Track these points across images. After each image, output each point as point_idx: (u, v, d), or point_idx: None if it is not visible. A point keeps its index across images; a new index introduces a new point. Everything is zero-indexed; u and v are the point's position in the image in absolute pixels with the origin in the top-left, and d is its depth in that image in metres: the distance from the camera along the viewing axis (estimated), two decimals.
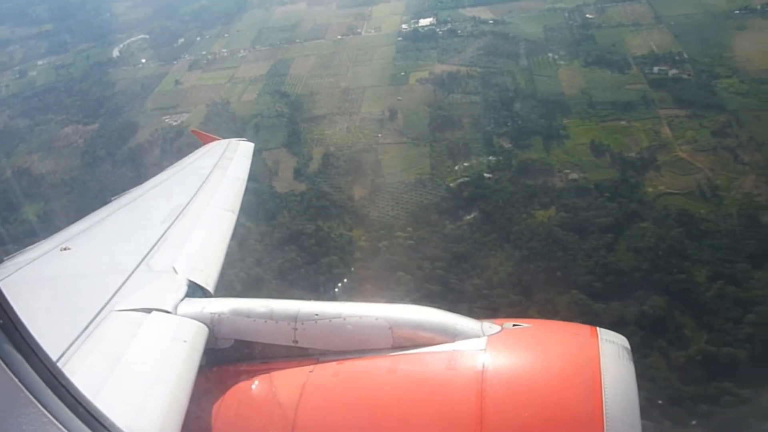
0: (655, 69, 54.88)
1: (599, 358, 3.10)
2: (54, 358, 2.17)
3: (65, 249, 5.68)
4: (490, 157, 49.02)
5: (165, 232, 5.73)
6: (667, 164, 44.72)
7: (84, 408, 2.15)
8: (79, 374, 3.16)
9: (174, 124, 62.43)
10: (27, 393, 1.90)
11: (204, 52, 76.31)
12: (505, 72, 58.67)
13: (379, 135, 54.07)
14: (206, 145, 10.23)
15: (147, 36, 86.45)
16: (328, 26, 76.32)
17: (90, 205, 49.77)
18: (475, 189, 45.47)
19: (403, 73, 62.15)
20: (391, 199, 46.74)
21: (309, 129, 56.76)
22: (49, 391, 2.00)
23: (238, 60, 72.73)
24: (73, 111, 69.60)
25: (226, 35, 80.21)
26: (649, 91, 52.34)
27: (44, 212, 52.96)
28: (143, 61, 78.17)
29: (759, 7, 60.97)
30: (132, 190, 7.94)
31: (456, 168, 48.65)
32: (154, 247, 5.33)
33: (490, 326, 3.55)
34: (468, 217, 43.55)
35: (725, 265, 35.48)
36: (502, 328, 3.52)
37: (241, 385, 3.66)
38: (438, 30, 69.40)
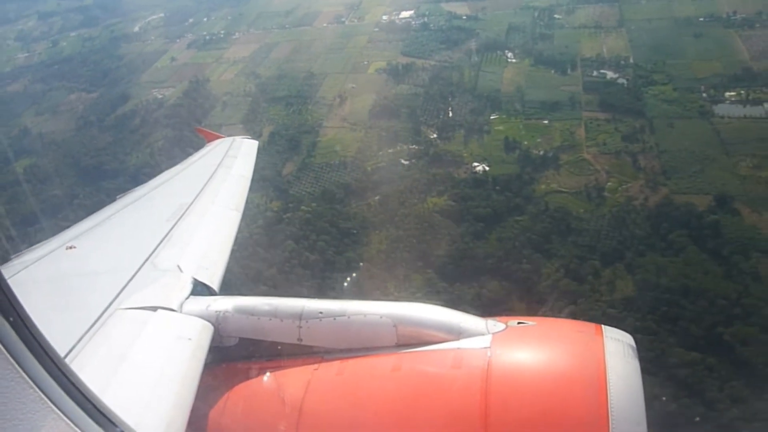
0: (595, 72, 56.00)
1: (604, 355, 3.11)
2: (61, 356, 2.19)
3: (71, 247, 5.76)
4: (413, 146, 52.15)
5: (170, 230, 5.79)
6: (568, 164, 46.55)
7: (92, 404, 2.16)
8: (86, 371, 3.18)
9: (159, 97, 68.78)
10: (36, 389, 1.90)
11: (204, 33, 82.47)
12: (456, 66, 61.23)
13: (323, 119, 58.09)
14: (210, 143, 10.21)
15: (165, 14, 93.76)
16: (319, 14, 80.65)
17: (70, 162, 56.80)
18: (385, 173, 48.90)
19: (365, 63, 65.76)
20: (313, 177, 50.89)
21: (266, 109, 61.54)
22: (57, 388, 2.01)
23: (230, 41, 78.40)
24: (83, 80, 77.40)
25: (229, 17, 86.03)
26: (581, 93, 53.74)
27: (31, 166, 60.37)
28: (152, 38, 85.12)
29: (724, 15, 60.54)
30: (137, 188, 8.11)
31: (380, 153, 52.13)
32: (159, 245, 5.38)
33: (495, 324, 3.56)
34: (373, 199, 47.14)
35: (575, 261, 37.66)
36: (507, 326, 3.53)
37: (246, 383, 3.70)
38: (413, 23, 72.47)
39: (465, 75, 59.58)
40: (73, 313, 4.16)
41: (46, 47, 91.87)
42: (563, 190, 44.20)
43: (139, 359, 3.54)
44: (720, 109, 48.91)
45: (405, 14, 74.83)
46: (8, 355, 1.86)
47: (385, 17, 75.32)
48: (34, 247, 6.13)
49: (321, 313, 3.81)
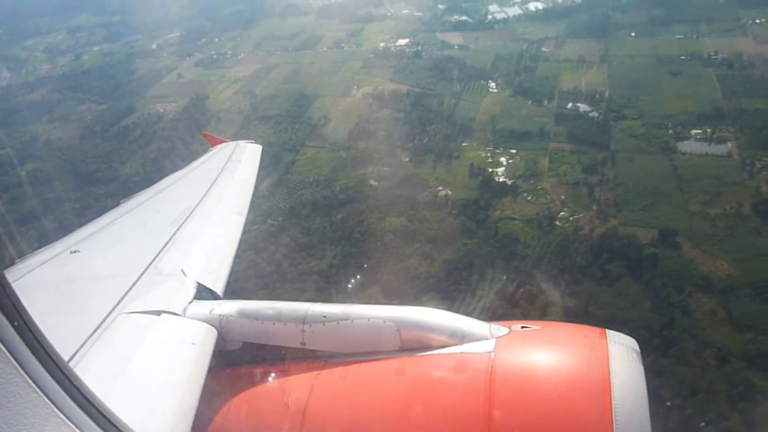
0: (570, 105, 57.39)
1: (608, 360, 3.11)
2: (65, 360, 2.17)
3: (75, 251, 5.79)
4: (385, 168, 54.17)
5: (173, 234, 5.83)
6: (527, 192, 47.90)
7: (96, 408, 2.17)
8: (89, 376, 3.18)
9: (160, 111, 72.59)
10: (40, 393, 1.91)
11: (213, 52, 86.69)
12: (438, 94, 63.34)
13: (307, 138, 60.72)
14: (214, 148, 10.26)
15: (183, 32, 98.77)
16: (322, 38, 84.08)
17: (69, 168, 60.69)
18: (353, 193, 50.99)
19: (355, 87, 68.41)
20: (286, 192, 53.29)
21: (256, 126, 64.50)
22: (62, 392, 2.01)
23: (235, 61, 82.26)
24: (95, 92, 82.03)
25: (238, 38, 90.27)
26: (552, 124, 55.14)
27: (34, 169, 64.43)
28: (165, 55, 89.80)
29: (705, 54, 61.43)
30: (141, 192, 8.10)
31: (352, 173, 54.30)
32: (162, 249, 5.41)
33: (499, 328, 3.56)
34: (336, 216, 49.19)
35: (512, 285, 38.79)
36: (510, 330, 3.53)
37: (249, 388, 3.74)
38: (407, 50, 75.05)
39: (445, 103, 61.68)
40: (76, 317, 4.17)
41: (69, 60, 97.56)
42: (516, 217, 45.50)
43: (143, 364, 3.54)
44: (684, 145, 49.75)
45: (401, 42, 77.57)
46: (12, 359, 1.85)
47: (382, 44, 78.21)
48: (38, 251, 6.15)
49: (324, 317, 3.83)
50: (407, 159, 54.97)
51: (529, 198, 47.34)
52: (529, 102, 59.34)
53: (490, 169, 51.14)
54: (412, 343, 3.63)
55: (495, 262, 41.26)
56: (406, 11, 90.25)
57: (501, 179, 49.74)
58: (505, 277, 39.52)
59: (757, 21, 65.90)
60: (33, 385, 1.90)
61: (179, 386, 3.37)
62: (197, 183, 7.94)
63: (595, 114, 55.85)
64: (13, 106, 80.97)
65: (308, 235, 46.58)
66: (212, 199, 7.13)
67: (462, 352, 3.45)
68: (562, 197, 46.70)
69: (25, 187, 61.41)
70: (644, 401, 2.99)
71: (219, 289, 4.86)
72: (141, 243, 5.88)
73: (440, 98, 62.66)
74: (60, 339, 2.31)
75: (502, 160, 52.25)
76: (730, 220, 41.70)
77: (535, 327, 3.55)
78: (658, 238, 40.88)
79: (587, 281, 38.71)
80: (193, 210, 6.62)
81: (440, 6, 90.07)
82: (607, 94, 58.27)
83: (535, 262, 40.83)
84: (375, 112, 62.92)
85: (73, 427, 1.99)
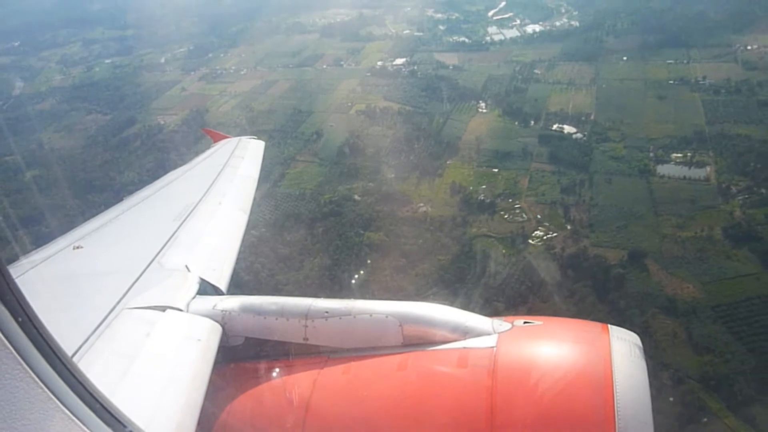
0: (555, 126, 58.27)
1: (611, 355, 3.11)
2: (69, 355, 2.17)
3: (78, 247, 5.79)
4: (370, 183, 55.38)
5: (176, 230, 5.82)
6: (504, 210, 48.69)
7: (100, 404, 2.17)
8: (93, 371, 3.12)
9: (161, 123, 74.78)
10: (45, 389, 1.90)
11: (217, 67, 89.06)
12: (428, 113, 64.62)
13: (298, 152, 62.23)
14: (217, 143, 10.14)
15: (191, 47, 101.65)
16: (322, 56, 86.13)
17: (68, 175, 63.00)
18: (336, 207, 52.21)
19: (349, 104, 70.00)
20: (273, 204, 54.60)
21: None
22: (65, 387, 2.01)
23: (237, 76, 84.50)
24: (102, 103, 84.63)
25: (242, 54, 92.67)
26: (536, 145, 56.02)
27: (35, 176, 66.68)
28: (171, 69, 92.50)
29: (693, 80, 62.12)
30: (144, 188, 8.06)
31: (338, 188, 55.57)
32: (165, 245, 5.41)
33: (501, 324, 3.57)
34: (317, 229, 50.38)
35: (480, 301, 39.51)
36: (513, 326, 3.54)
37: (252, 383, 3.74)
38: (403, 70, 76.60)
39: (435, 121, 62.90)
40: (80, 313, 4.16)
41: (81, 71, 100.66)
42: (492, 234, 46.27)
43: (148, 360, 3.53)
44: (663, 169, 50.33)
45: (398, 61, 79.24)
46: (17, 355, 1.85)
47: (380, 63, 79.95)
48: (42, 247, 6.11)
49: (327, 312, 3.84)
50: (392, 175, 56.06)
51: (506, 216, 48.10)
52: (516, 123, 60.31)
53: (471, 187, 52.05)
54: (415, 339, 3.64)
55: (465, 278, 42.08)
56: (407, 31, 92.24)
57: (481, 197, 50.56)
58: (472, 294, 40.37)
59: (749, 47, 66.51)
60: (37, 380, 1.89)
61: (185, 384, 3.37)
62: (200, 179, 7.89)
63: (579, 136, 56.63)
64: (24, 114, 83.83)
65: (288, 247, 47.75)
66: (216, 195, 7.09)
67: (464, 347, 3.45)
68: (539, 216, 47.41)
69: (25, 193, 63.87)
70: (647, 396, 3.00)
71: (223, 285, 4.89)
72: (144, 239, 5.88)
73: (430, 117, 63.94)
74: (63, 334, 2.30)
75: (484, 178, 53.10)
76: (700, 243, 42.10)
77: (537, 322, 3.58)
78: (627, 260, 41.38)
79: (553, 300, 39.31)
80: (196, 206, 6.61)
81: (441, 27, 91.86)
82: (592, 117, 59.09)
83: (504, 279, 41.53)
84: (366, 128, 64.34)
85: (77, 422, 1.98)
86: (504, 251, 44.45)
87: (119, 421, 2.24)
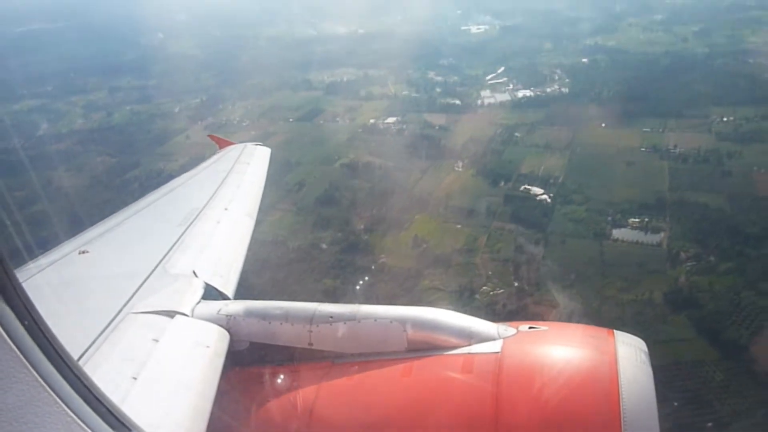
0: (522, 187, 60.20)
1: (617, 361, 3.14)
2: (75, 359, 2.17)
3: (84, 252, 5.92)
4: (339, 233, 57.76)
5: (181, 235, 5.92)
6: (458, 266, 50.29)
7: (106, 408, 2.18)
8: (98, 375, 3.21)
9: (161, 168, 79.35)
10: (51, 393, 1.91)
11: (223, 118, 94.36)
12: (407, 169, 67.38)
13: (279, 201, 65.29)
14: (223, 149, 10.20)
15: (204, 98, 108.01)
16: (322, 112, 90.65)
17: (67, 212, 67.34)
18: (302, 254, 54.59)
19: (336, 157, 73.38)
20: None
21: None
22: (72, 391, 2.01)
23: (239, 127, 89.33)
24: (113, 146, 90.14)
25: (249, 107, 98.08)
26: (500, 204, 57.92)
27: (36, 211, 70.97)
28: (182, 117, 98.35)
29: (664, 148, 63.73)
30: (150, 193, 8.20)
31: (309, 236, 58.07)
32: (170, 250, 5.49)
33: (506, 329, 3.60)
34: (280, 275, 52.60)
35: None
36: (518, 331, 3.58)
37: (256, 388, 3.78)
38: (392, 128, 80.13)
39: (411, 177, 65.50)
40: (85, 317, 4.18)
41: (101, 116, 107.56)
42: (441, 288, 47.75)
43: (156, 365, 3.53)
44: (619, 232, 51.45)
45: (389, 120, 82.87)
46: (23, 358, 1.85)
47: (372, 120, 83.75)
48: (48, 251, 6.17)
49: (332, 317, 3.86)
50: (362, 227, 58.45)
51: (459, 271, 49.61)
52: (487, 182, 62.41)
53: (432, 242, 53.92)
54: (420, 344, 3.68)
55: None
56: (406, 92, 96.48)
57: (439, 251, 52.31)
58: None
59: (725, 119, 67.94)
60: (43, 384, 1.89)
61: (194, 390, 3.39)
62: (205, 184, 8.09)
63: (544, 197, 58.31)
64: (40, 154, 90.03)
65: (247, 290, 49.83)
66: (221, 201, 7.25)
67: (469, 353, 3.48)
68: (489, 273, 48.79)
69: (23, 227, 68.13)
70: (652, 402, 3.02)
71: (230, 291, 4.99)
72: (149, 243, 5.97)
73: (408, 173, 66.62)
74: (69, 338, 2.31)
75: (447, 234, 54.97)
76: (639, 306, 42.82)
77: (542, 327, 3.61)
78: (564, 318, 42.20)
79: None
80: (201, 211, 6.72)
81: (438, 89, 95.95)
82: (561, 180, 60.82)
83: None
84: (346, 181, 67.33)
85: (84, 426, 1.99)
86: (452, 305, 45.78)
87: (124, 425, 2.26)
